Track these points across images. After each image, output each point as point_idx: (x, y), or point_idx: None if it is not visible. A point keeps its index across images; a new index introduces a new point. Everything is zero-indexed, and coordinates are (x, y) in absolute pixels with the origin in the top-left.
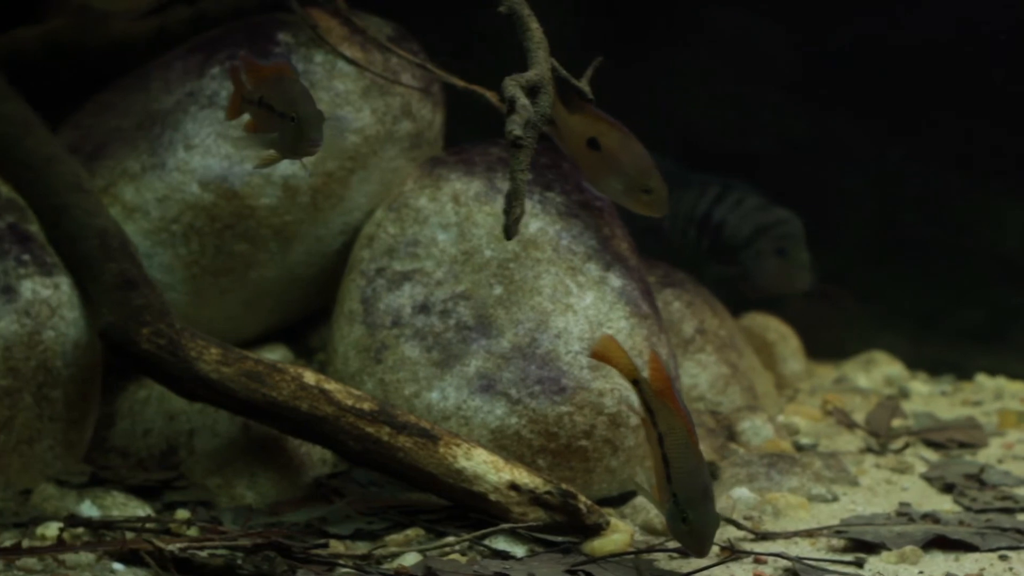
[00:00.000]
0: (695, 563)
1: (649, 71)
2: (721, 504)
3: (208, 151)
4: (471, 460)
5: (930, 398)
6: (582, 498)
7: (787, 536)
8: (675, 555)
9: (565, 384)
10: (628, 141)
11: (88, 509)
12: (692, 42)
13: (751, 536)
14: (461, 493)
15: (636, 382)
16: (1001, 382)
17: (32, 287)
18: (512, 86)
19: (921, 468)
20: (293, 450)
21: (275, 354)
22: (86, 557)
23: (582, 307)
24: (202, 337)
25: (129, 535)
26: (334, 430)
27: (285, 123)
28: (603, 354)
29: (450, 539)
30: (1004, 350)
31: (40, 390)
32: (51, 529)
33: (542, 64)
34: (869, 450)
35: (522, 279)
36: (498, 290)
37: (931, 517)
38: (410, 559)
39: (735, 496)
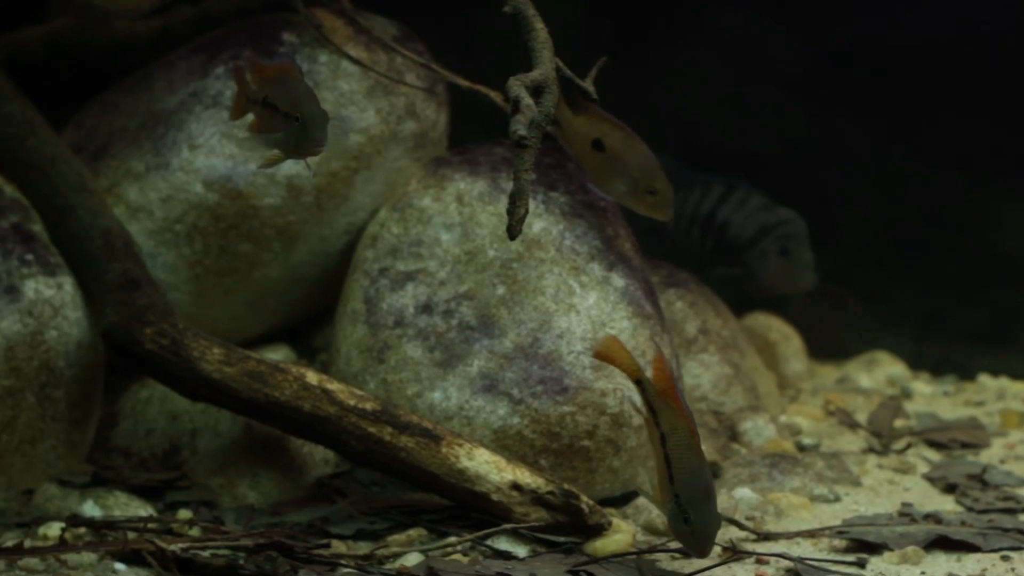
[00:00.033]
0: (697, 563)
1: (652, 71)
2: (723, 504)
3: (212, 151)
4: (473, 460)
5: (932, 398)
6: (584, 498)
7: (789, 536)
8: (677, 555)
9: (568, 384)
10: (632, 142)
11: (90, 509)
12: (694, 42)
13: (753, 536)
14: (463, 493)
15: (639, 382)
16: (1003, 382)
17: (35, 287)
18: (516, 86)
19: (923, 468)
20: (295, 450)
21: (278, 354)
22: (88, 557)
23: (585, 307)
24: (205, 337)
25: (131, 535)
26: (336, 430)
27: (289, 123)
28: (607, 354)
29: (452, 539)
30: (1006, 350)
31: (43, 390)
32: (53, 529)
33: (546, 64)
34: (871, 450)
35: (525, 279)
36: (501, 290)
37: (933, 517)
38: (412, 559)
39: (737, 496)
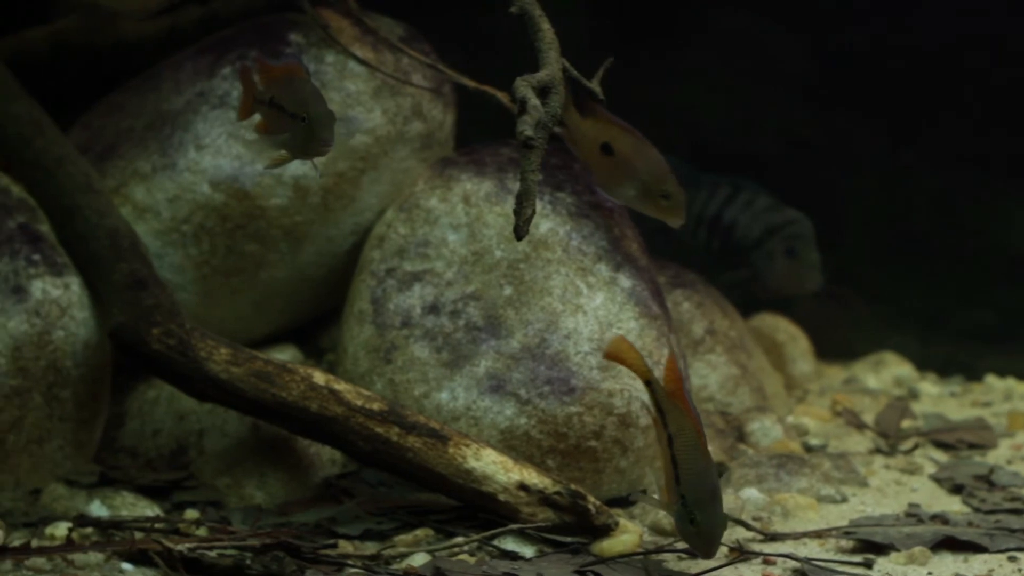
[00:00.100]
0: (704, 564)
1: (657, 71)
2: (730, 505)
3: (219, 151)
4: (480, 460)
5: (939, 399)
6: (591, 499)
7: (796, 537)
8: (684, 556)
9: (575, 384)
10: (642, 146)
11: (97, 509)
12: (700, 42)
13: (760, 537)
14: (470, 493)
15: (648, 382)
16: (1011, 383)
17: (42, 287)
18: (523, 87)
19: (930, 469)
20: (302, 450)
21: (285, 354)
22: (95, 557)
23: (592, 308)
24: (212, 337)
25: (138, 535)
26: (344, 430)
27: (296, 123)
28: (616, 354)
29: (459, 539)
30: (1014, 351)
31: (50, 390)
32: (60, 529)
33: (553, 65)
34: (878, 451)
35: (532, 279)
36: (508, 290)
37: (940, 518)
38: (419, 559)
39: (744, 497)
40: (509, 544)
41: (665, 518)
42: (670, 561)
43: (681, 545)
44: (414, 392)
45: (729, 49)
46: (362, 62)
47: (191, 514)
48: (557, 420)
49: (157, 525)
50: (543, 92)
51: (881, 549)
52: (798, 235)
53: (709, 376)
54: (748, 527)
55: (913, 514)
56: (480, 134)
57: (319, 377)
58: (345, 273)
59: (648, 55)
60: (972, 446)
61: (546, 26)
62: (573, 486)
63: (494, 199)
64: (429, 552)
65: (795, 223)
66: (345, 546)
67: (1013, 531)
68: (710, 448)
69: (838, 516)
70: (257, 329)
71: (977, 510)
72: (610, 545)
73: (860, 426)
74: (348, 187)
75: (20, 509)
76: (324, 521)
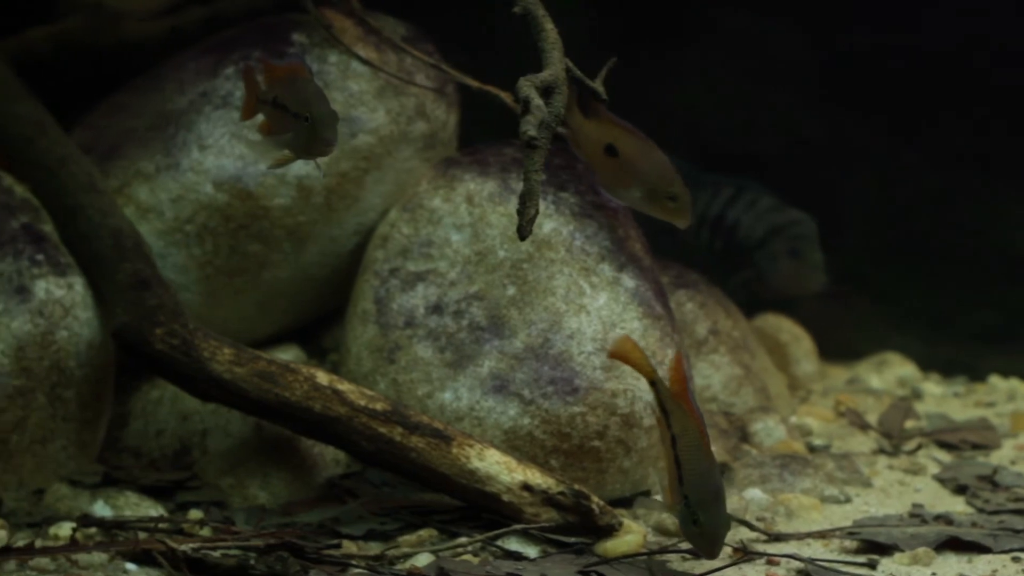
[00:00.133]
0: (707, 564)
1: (659, 71)
2: (733, 505)
3: (222, 151)
4: (484, 461)
5: (943, 399)
6: (595, 499)
7: (800, 537)
8: (688, 556)
9: (578, 385)
10: (647, 148)
11: (101, 509)
12: (701, 42)
13: (764, 537)
14: (474, 494)
15: (653, 382)
16: (1014, 383)
17: (46, 287)
18: (526, 86)
19: (934, 469)
20: (306, 450)
21: (288, 354)
22: (99, 557)
23: (595, 308)
24: (215, 337)
25: (142, 535)
26: (347, 430)
27: (299, 123)
28: (621, 354)
29: (463, 540)
30: (1017, 351)
31: (53, 390)
32: (64, 529)
33: (557, 65)
34: (882, 451)
35: (535, 280)
36: (511, 291)
37: (944, 518)
38: (423, 560)
39: (748, 497)
40: (513, 544)
41: (669, 518)
42: (674, 562)
43: (685, 546)
44: (417, 392)
45: (731, 49)
46: (365, 62)
47: (195, 514)
48: (560, 420)
49: (161, 525)
50: (546, 92)
51: (885, 550)
52: (801, 235)
53: (712, 376)
54: (752, 527)
55: (917, 514)
56: (483, 134)
57: (322, 377)
58: (348, 273)
59: (649, 55)
60: (976, 446)
61: (549, 26)
62: (577, 486)
63: (497, 199)
64: (433, 552)
65: (798, 223)
66: (349, 546)
67: (1017, 531)
68: (713, 448)
69: (842, 516)
70: (260, 329)
71: (981, 511)
72: (614, 545)
73: (864, 426)
74: (351, 187)
75: (24, 509)
76: (328, 521)
